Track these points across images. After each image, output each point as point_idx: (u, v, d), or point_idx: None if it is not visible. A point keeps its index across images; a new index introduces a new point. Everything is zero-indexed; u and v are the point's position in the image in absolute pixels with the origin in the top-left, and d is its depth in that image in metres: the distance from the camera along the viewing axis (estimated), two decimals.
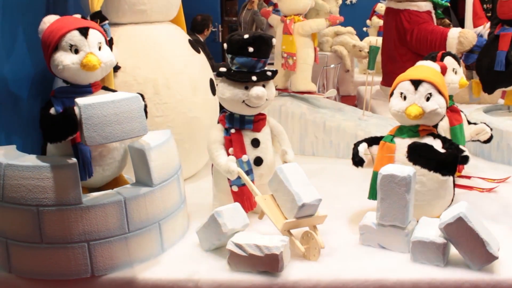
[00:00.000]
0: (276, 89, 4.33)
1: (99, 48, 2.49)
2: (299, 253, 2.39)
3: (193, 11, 6.84)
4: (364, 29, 8.38)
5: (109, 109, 2.21)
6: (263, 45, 2.70)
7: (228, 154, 2.72)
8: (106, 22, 2.91)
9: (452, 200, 2.69)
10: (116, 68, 3.08)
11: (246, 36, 2.68)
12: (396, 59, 5.19)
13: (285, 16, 4.14)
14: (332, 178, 3.46)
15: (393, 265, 2.32)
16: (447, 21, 6.00)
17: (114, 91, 2.69)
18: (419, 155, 2.47)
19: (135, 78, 3.17)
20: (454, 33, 4.69)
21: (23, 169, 2.22)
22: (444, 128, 3.08)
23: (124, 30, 3.28)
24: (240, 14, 9.01)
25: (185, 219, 2.72)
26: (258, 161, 2.77)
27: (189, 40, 3.59)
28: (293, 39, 4.04)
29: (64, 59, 2.41)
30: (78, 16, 2.59)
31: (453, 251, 2.32)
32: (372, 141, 2.75)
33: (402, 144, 2.59)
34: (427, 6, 5.12)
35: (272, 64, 4.28)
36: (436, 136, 2.61)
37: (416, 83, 2.55)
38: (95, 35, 2.48)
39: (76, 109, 2.22)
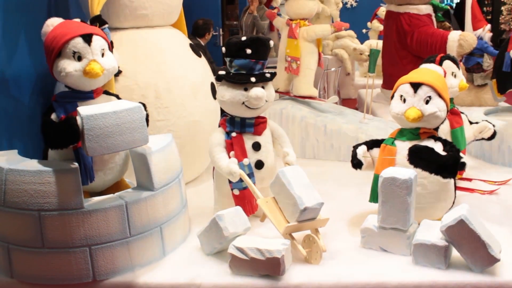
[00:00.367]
0: (278, 92, 4.35)
1: (102, 55, 2.49)
2: (300, 257, 2.39)
3: (194, 15, 6.84)
4: (364, 30, 8.38)
5: (111, 120, 2.21)
6: (261, 46, 2.72)
7: (229, 158, 2.73)
8: (106, 26, 2.92)
9: (454, 203, 2.69)
10: (117, 73, 3.08)
11: (243, 38, 2.71)
12: (396, 62, 5.20)
13: (291, 20, 4.14)
14: (333, 181, 3.46)
15: (395, 268, 2.32)
16: (447, 24, 6.01)
17: (115, 95, 2.70)
18: (420, 158, 2.47)
19: (136, 82, 3.18)
20: (454, 36, 4.70)
21: (25, 174, 2.22)
22: (444, 131, 3.08)
23: (125, 35, 3.29)
24: (241, 18, 9.02)
25: (187, 223, 2.72)
26: (259, 164, 2.77)
27: (190, 44, 3.60)
28: (298, 44, 4.04)
29: (67, 66, 2.40)
30: (78, 20, 2.59)
31: (455, 253, 2.32)
32: (373, 144, 2.75)
33: (403, 147, 2.59)
34: (427, 9, 5.13)
35: (275, 67, 4.29)
36: (437, 139, 2.61)
37: (416, 86, 2.56)
38: (98, 41, 2.47)
39: (78, 118, 2.22)
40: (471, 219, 2.19)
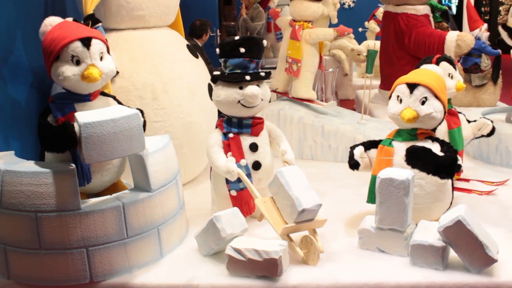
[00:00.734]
0: (276, 92, 4.35)
1: (101, 58, 2.48)
2: (298, 258, 2.39)
3: (191, 16, 6.85)
4: (360, 29, 8.36)
5: (108, 128, 2.21)
6: (254, 45, 2.73)
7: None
8: (100, 24, 2.91)
9: (451, 203, 2.68)
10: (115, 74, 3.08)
11: (236, 37, 2.73)
12: (394, 62, 5.20)
13: (294, 21, 4.13)
14: (331, 182, 3.46)
15: (392, 268, 2.31)
16: (445, 24, 6.01)
17: (112, 96, 2.70)
18: (418, 159, 2.47)
19: (133, 83, 3.18)
20: (452, 36, 4.70)
21: (22, 175, 2.22)
22: (442, 131, 3.08)
23: (122, 35, 3.29)
24: (238, 19, 9.02)
25: (184, 224, 2.72)
26: (257, 165, 2.77)
27: (187, 45, 3.60)
28: (300, 46, 4.03)
29: (65, 70, 2.39)
30: (71, 20, 2.58)
31: (452, 254, 2.32)
32: (370, 144, 2.75)
33: (401, 147, 2.59)
34: (425, 10, 5.13)
35: (273, 68, 4.28)
36: (435, 139, 2.61)
37: (412, 87, 2.56)
38: (97, 45, 2.45)
39: (75, 125, 2.22)
40: (468, 219, 2.19)
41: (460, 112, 3.28)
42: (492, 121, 3.24)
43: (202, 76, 3.53)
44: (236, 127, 2.77)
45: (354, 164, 2.69)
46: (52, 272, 2.26)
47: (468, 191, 3.22)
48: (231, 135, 2.76)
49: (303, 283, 2.24)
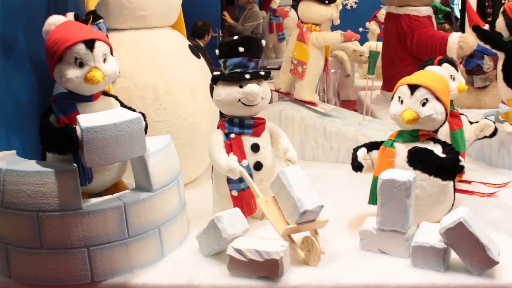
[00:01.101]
0: (279, 92, 4.34)
1: (104, 60, 2.46)
2: (299, 258, 2.39)
3: (193, 16, 6.85)
4: (360, 29, 8.36)
5: (110, 132, 2.20)
6: (253, 44, 2.74)
7: None
8: (101, 20, 2.91)
9: (453, 205, 2.68)
10: None
11: (235, 37, 2.75)
12: (396, 63, 5.19)
13: (302, 22, 4.12)
14: (332, 183, 3.46)
15: (394, 270, 2.31)
16: (447, 26, 6.00)
17: (114, 96, 2.70)
18: (419, 160, 2.46)
19: (135, 83, 3.18)
20: (454, 38, 4.69)
21: (23, 175, 2.22)
22: (444, 133, 3.07)
23: (124, 36, 3.29)
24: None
25: (185, 224, 2.72)
26: (258, 166, 2.77)
27: (189, 46, 3.60)
28: (307, 48, 4.02)
29: (68, 72, 2.38)
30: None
31: (454, 256, 2.32)
32: (372, 146, 2.74)
33: (402, 149, 2.58)
34: (428, 11, 5.12)
35: (274, 68, 4.27)
36: (436, 141, 2.61)
37: (413, 88, 2.55)
38: (100, 47, 2.43)
39: (77, 129, 2.22)
40: (470, 221, 2.19)
41: (462, 114, 3.27)
42: (494, 122, 3.24)
43: (204, 76, 3.53)
44: (238, 127, 2.78)
45: (357, 166, 2.69)
46: (53, 271, 2.26)
47: (470, 193, 3.21)
48: (232, 135, 2.76)
49: (304, 284, 2.23)
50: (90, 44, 2.39)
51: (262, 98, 2.76)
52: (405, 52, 5.11)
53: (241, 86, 2.71)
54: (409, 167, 2.48)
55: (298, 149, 4.05)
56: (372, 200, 2.64)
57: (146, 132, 2.45)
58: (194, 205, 2.99)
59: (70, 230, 2.22)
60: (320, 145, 4.04)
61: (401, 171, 2.41)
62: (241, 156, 2.73)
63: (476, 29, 3.73)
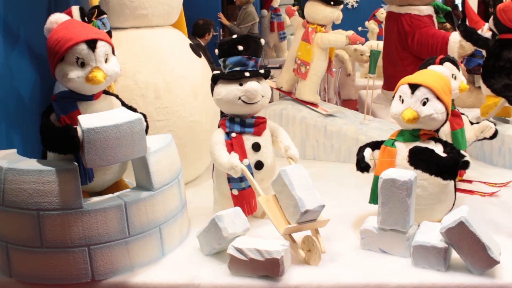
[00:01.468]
0: (280, 91, 4.34)
1: (106, 60, 2.46)
2: (300, 258, 2.39)
3: (194, 15, 6.84)
4: (360, 28, 8.34)
5: (111, 133, 2.21)
6: (252, 43, 2.75)
7: None
8: (105, 16, 2.90)
9: (454, 205, 2.68)
10: None
11: (234, 36, 2.76)
12: (397, 63, 5.18)
13: (308, 22, 4.11)
14: (333, 183, 3.46)
15: (394, 269, 2.31)
16: (448, 25, 5.99)
17: (115, 95, 2.70)
18: (420, 159, 2.46)
19: (136, 82, 3.18)
20: (455, 37, 4.68)
21: (24, 173, 2.22)
22: (445, 132, 3.07)
23: (125, 34, 3.29)
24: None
25: (186, 223, 2.72)
26: (259, 165, 2.77)
27: (190, 44, 3.60)
28: (311, 49, 4.01)
29: (70, 72, 2.38)
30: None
31: (454, 255, 2.32)
32: (374, 145, 2.74)
33: (403, 148, 2.58)
34: (429, 10, 5.11)
35: (275, 67, 4.26)
36: (437, 140, 2.60)
37: (414, 87, 2.55)
38: (102, 48, 2.43)
39: (78, 129, 2.22)
40: (471, 221, 2.18)
41: (463, 114, 3.27)
42: (495, 124, 3.23)
43: (205, 75, 3.53)
44: (239, 126, 2.77)
45: (365, 167, 2.67)
46: (53, 270, 2.26)
47: (471, 192, 3.21)
48: (233, 134, 2.76)
49: (305, 283, 2.23)
50: (92, 44, 2.39)
51: (262, 96, 2.76)
52: (406, 51, 5.10)
53: (241, 84, 2.72)
54: (410, 167, 2.48)
55: (299, 149, 4.02)
56: (373, 199, 2.64)
57: (147, 133, 2.45)
58: (194, 204, 2.99)
59: (70, 229, 2.23)
60: (321, 144, 4.03)
61: (402, 171, 2.41)
62: (242, 155, 2.73)
63: (461, 26, 3.73)
